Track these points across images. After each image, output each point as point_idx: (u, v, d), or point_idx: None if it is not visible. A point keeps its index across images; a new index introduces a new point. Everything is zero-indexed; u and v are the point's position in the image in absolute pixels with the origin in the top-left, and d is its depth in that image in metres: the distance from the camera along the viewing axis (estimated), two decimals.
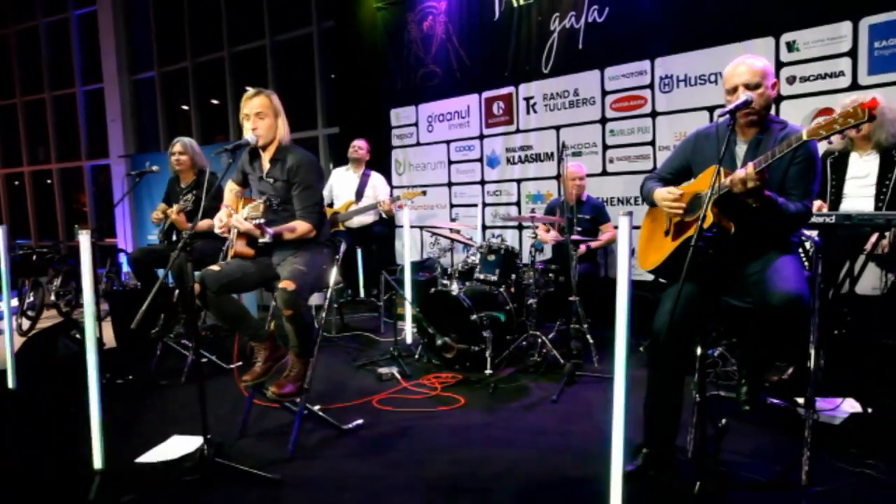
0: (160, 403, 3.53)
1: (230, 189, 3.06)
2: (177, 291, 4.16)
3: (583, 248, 4.31)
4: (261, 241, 2.75)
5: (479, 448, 2.76)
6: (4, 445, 2.98)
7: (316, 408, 3.07)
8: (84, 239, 2.54)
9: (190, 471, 2.48)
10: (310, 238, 2.83)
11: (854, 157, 3.17)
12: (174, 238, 4.15)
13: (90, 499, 2.38)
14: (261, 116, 2.77)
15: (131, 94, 9.61)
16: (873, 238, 2.95)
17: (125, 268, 6.95)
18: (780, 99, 4.05)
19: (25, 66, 10.64)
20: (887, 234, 2.93)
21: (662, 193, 2.33)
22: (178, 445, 2.84)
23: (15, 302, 5.87)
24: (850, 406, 2.84)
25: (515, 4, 5.40)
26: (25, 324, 5.75)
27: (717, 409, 2.73)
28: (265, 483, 2.44)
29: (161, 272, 3.95)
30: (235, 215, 2.72)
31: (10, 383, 3.70)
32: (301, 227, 2.78)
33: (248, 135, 2.77)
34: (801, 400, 2.49)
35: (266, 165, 2.87)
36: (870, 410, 2.74)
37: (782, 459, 2.43)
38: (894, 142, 3.05)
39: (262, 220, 2.60)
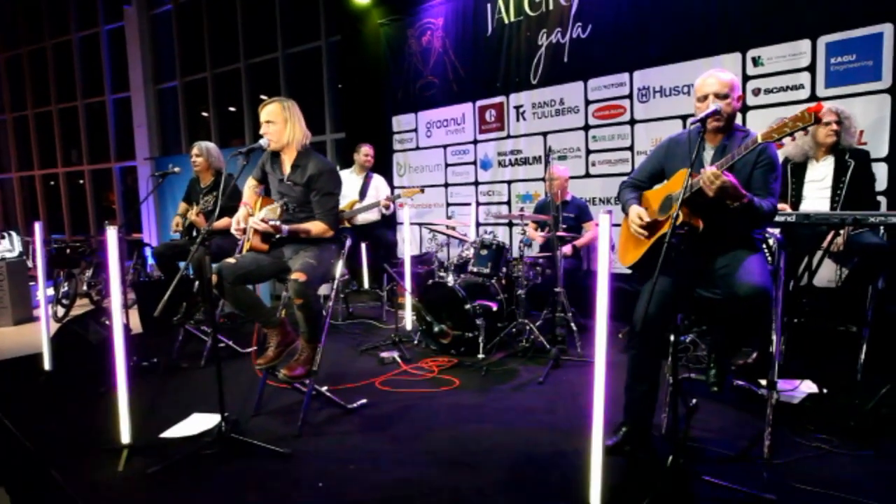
0: (182, 384, 3.52)
1: (249, 186, 3.02)
2: (196, 282, 4.14)
3: (568, 249, 4.30)
4: (277, 236, 2.75)
5: (473, 425, 2.76)
6: (41, 421, 2.97)
7: (323, 388, 3.06)
8: (112, 234, 2.52)
9: (209, 445, 2.48)
10: None
11: (812, 163, 3.16)
12: (194, 234, 4.12)
13: (119, 470, 2.38)
14: (271, 123, 2.77)
15: (156, 102, 9.54)
16: (829, 236, 2.95)
17: (150, 261, 6.91)
18: (746, 109, 4.04)
19: (60, 76, 10.56)
20: (842, 232, 2.93)
21: (635, 213, 2.33)
22: (199, 422, 2.83)
23: (51, 291, 5.85)
24: (808, 387, 2.84)
25: (506, 21, 5.36)
26: (60, 311, 5.72)
27: (688, 390, 2.71)
28: (277, 456, 2.43)
29: (182, 265, 3.94)
30: (252, 218, 2.72)
31: (47, 365, 3.69)
32: (319, 226, 2.78)
33: (262, 139, 2.77)
34: (763, 381, 2.49)
35: (287, 169, 2.85)
36: (825, 391, 2.74)
37: (746, 435, 2.44)
38: (853, 146, 3.06)
39: (278, 222, 2.65)
